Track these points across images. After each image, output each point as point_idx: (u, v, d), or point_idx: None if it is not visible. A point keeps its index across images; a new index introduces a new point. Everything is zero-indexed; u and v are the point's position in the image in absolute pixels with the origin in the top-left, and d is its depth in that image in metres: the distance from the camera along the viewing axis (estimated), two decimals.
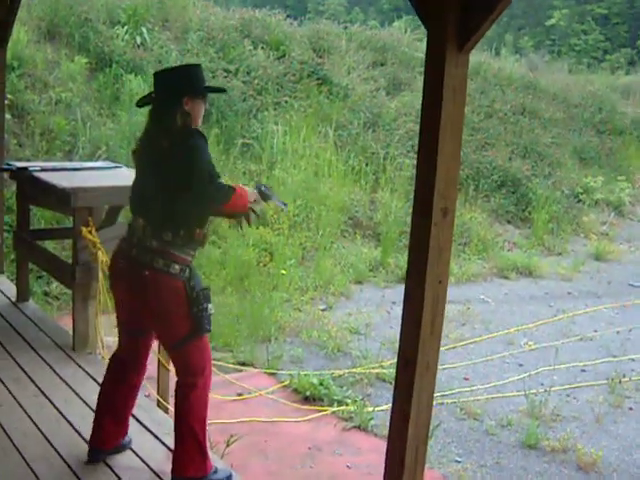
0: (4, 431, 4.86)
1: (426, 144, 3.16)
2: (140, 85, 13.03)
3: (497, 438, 7.30)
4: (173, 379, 4.59)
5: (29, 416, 5.12)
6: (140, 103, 4.55)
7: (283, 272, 11.09)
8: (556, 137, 19.21)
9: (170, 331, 4.32)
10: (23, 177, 6.76)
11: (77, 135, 11.81)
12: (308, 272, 11.59)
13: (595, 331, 10.67)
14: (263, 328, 9.27)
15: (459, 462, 6.78)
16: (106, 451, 4.60)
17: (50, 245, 8.82)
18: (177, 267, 4.14)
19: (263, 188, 4.74)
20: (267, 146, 13.74)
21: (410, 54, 19.10)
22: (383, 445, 3.48)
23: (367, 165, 14.85)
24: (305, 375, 7.97)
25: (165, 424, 5.12)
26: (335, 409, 7.44)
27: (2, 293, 7.71)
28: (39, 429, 4.94)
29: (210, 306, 4.24)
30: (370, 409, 7.38)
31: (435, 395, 7.57)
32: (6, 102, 9.32)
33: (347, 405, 7.50)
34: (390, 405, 3.44)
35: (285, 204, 5.47)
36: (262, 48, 16.50)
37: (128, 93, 12.91)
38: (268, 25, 17.67)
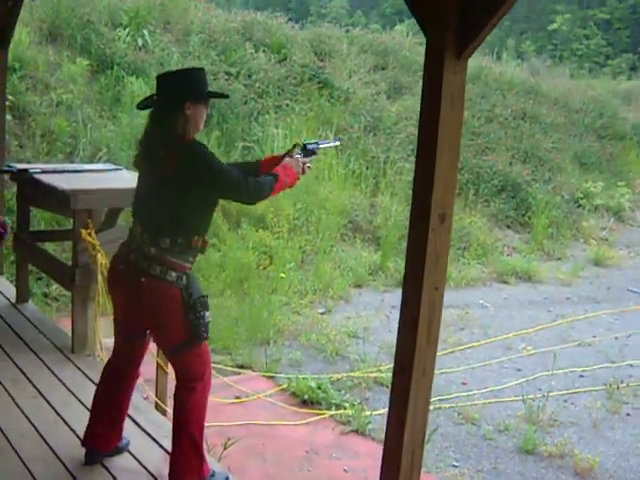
0: (2, 432, 4.87)
1: (424, 150, 3.18)
2: (141, 87, 13.06)
3: (494, 443, 7.31)
4: (171, 382, 4.61)
5: (27, 417, 5.12)
6: (141, 105, 4.50)
7: (282, 275, 11.10)
8: (557, 142, 19.23)
9: (167, 338, 4.32)
10: (23, 179, 6.78)
11: (78, 137, 11.84)
12: (307, 275, 11.61)
13: (594, 336, 10.67)
14: (262, 331, 9.29)
15: (456, 467, 6.79)
16: (103, 453, 4.61)
17: (50, 247, 8.83)
18: (174, 274, 4.12)
19: (309, 146, 4.82)
20: (268, 149, 13.73)
21: (412, 58, 19.10)
22: (380, 449, 3.49)
23: (367, 169, 14.88)
24: (303, 378, 7.98)
25: (163, 427, 5.12)
26: (333, 413, 7.45)
27: (2, 294, 7.72)
28: (37, 430, 4.95)
29: (207, 314, 4.20)
30: (368, 413, 7.38)
31: (433, 400, 7.58)
32: (7, 103, 9.34)
33: (345, 409, 7.50)
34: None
35: (338, 139, 5.57)
36: (263, 51, 16.53)
37: (129, 95, 12.93)
38: (270, 28, 17.69)
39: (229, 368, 8.16)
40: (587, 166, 19.42)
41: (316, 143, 4.91)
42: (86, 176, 6.89)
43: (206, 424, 4.49)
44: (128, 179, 6.21)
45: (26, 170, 6.73)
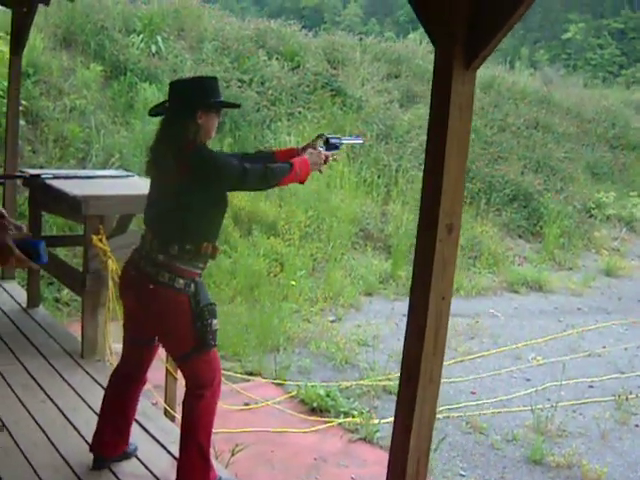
0: (11, 436, 4.89)
1: (432, 161, 3.19)
2: (154, 94, 13.11)
3: (502, 453, 7.29)
4: (181, 388, 4.62)
5: (36, 421, 5.15)
6: (153, 112, 4.50)
7: (293, 283, 11.11)
8: (569, 152, 19.22)
9: (175, 344, 4.34)
10: (36, 184, 6.82)
11: (91, 143, 11.90)
12: (318, 283, 11.62)
13: (604, 347, 10.65)
14: (272, 338, 9.29)
15: (463, 476, 6.78)
16: (111, 458, 4.64)
17: (61, 252, 8.88)
18: (182, 281, 4.12)
19: (332, 140, 4.82)
20: None
21: (424, 67, 19.13)
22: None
23: (379, 177, 14.90)
24: (312, 386, 7.99)
25: (171, 433, 5.14)
26: (341, 420, 7.44)
27: (13, 299, 7.76)
28: (46, 435, 4.97)
29: (215, 322, 4.21)
30: (376, 421, 7.37)
31: (442, 409, 7.62)
32: (21, 109, 9.41)
33: (353, 417, 7.50)
34: None
35: (358, 136, 5.61)
36: (277, 59, 16.59)
37: (142, 102, 12.98)
38: (283, 36, 17.76)
39: (239, 375, 8.17)
40: (599, 176, 19.40)
41: (339, 138, 4.91)
42: (98, 182, 6.93)
43: (214, 430, 4.50)
44: (140, 185, 6.23)
45: (38, 176, 6.78)
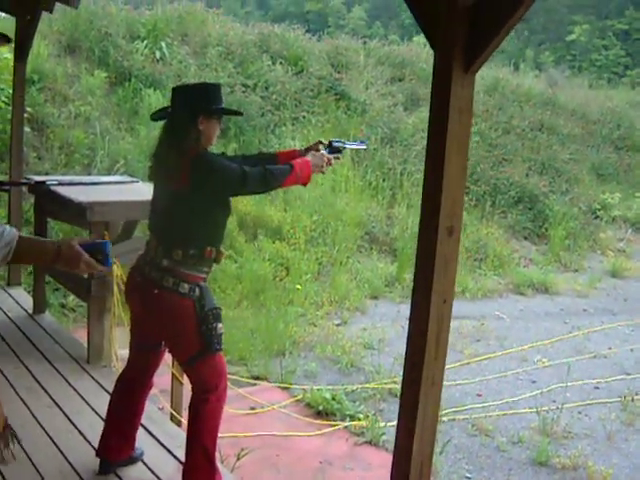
0: (17, 440, 4.91)
1: (432, 164, 3.20)
2: (159, 99, 13.13)
3: (508, 455, 7.29)
4: (187, 392, 4.64)
5: (42, 426, 5.16)
6: (155, 117, 4.53)
7: (299, 287, 11.13)
8: (574, 153, 19.23)
9: (181, 349, 4.35)
10: (41, 191, 6.85)
11: (96, 149, 11.92)
12: (324, 287, 11.63)
13: (609, 348, 10.65)
14: (278, 342, 9.30)
15: (469, 478, 6.78)
16: (117, 463, 4.65)
17: None
18: (186, 286, 4.14)
19: (335, 143, 4.88)
20: None
21: (429, 70, 19.03)
22: None
23: (384, 181, 14.92)
24: (318, 390, 7.99)
25: (177, 437, 5.16)
26: (347, 424, 7.44)
27: (19, 305, 7.79)
28: (51, 439, 4.99)
29: (220, 326, 4.22)
30: (382, 424, 7.37)
31: (447, 411, 7.62)
32: (26, 115, 9.44)
33: (359, 420, 7.50)
34: None
35: (363, 142, 5.62)
36: (280, 63, 16.61)
37: (147, 107, 13.01)
38: (287, 40, 17.78)
39: (244, 379, 8.18)
40: (604, 177, 19.39)
41: (342, 142, 4.94)
42: (103, 188, 6.94)
43: (220, 434, 4.50)
44: (145, 191, 6.24)
45: (43, 182, 6.80)
